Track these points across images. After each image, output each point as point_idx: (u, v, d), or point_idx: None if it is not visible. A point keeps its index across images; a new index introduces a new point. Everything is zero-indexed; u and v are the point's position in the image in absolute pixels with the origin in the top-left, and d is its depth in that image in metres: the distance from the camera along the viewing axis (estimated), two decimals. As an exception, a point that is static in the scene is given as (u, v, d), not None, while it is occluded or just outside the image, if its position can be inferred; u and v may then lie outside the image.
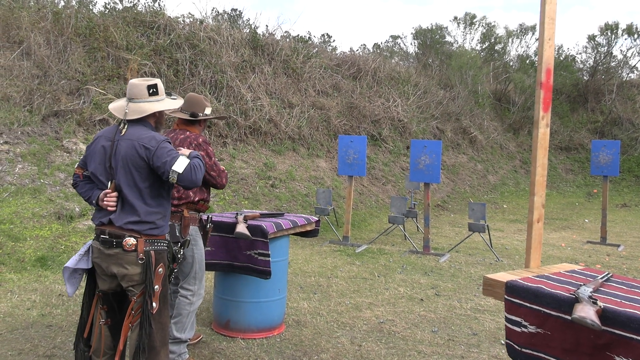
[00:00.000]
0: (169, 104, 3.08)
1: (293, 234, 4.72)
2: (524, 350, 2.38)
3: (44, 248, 6.46)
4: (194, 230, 3.83)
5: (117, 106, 3.03)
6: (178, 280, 4.02)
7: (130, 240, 2.84)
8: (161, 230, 2.97)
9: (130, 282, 2.87)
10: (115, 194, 2.89)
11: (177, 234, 3.72)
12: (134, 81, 3.02)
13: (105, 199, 2.89)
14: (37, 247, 6.43)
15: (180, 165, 2.82)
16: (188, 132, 3.84)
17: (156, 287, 2.88)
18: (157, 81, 3.06)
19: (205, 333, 4.47)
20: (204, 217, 4.03)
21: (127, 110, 2.94)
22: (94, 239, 2.99)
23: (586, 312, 2.07)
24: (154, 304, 2.86)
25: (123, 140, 2.90)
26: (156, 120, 3.10)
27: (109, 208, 2.89)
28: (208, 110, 3.97)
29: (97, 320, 3.00)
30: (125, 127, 2.95)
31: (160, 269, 2.92)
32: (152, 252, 2.89)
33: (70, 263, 2.96)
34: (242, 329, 4.40)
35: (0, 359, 3.85)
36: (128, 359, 2.95)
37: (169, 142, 2.93)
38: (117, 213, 2.88)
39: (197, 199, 3.81)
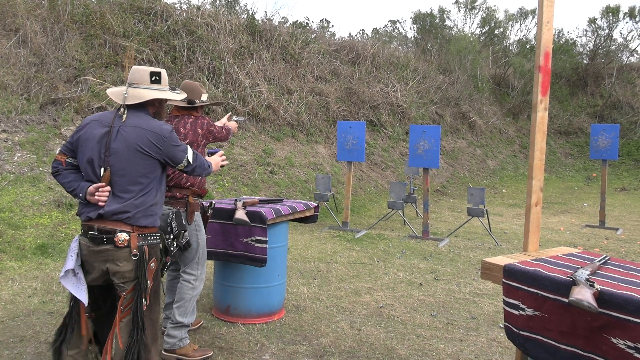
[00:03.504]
0: (170, 95, 2.96)
1: (292, 220, 4.73)
2: (521, 332, 2.40)
3: (44, 236, 6.48)
4: (197, 216, 3.85)
5: (116, 90, 2.90)
6: (178, 266, 4.04)
7: (123, 236, 2.69)
8: (154, 219, 2.83)
9: (122, 278, 2.73)
10: (108, 187, 2.73)
11: (184, 222, 3.71)
12: (137, 67, 2.90)
13: (97, 193, 2.72)
14: (37, 235, 6.45)
15: (190, 155, 2.97)
16: (193, 117, 3.91)
17: (147, 282, 2.76)
18: (162, 71, 2.94)
19: (205, 319, 4.50)
20: (205, 203, 4.05)
21: (126, 95, 2.81)
22: (81, 235, 2.82)
23: (583, 295, 2.08)
24: (143, 300, 2.74)
25: (128, 127, 2.76)
26: (155, 110, 2.97)
27: (99, 203, 2.72)
28: (204, 97, 3.98)
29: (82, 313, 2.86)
30: (125, 112, 2.80)
31: (152, 264, 2.80)
32: (146, 247, 2.77)
33: (62, 272, 2.78)
34: (243, 314, 4.43)
35: (2, 345, 3.88)
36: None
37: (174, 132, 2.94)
38: (108, 204, 2.72)
39: (199, 181, 3.86)
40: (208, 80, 10.87)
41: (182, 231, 3.63)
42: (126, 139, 2.74)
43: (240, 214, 4.15)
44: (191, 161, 2.96)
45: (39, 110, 8.37)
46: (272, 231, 4.35)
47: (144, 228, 2.77)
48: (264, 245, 4.19)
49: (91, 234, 2.73)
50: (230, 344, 4.00)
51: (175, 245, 3.15)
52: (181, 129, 3.84)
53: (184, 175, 3.73)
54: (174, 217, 3.62)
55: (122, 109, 2.83)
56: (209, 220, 4.25)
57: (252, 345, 3.99)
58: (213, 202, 4.15)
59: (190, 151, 2.97)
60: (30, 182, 7.22)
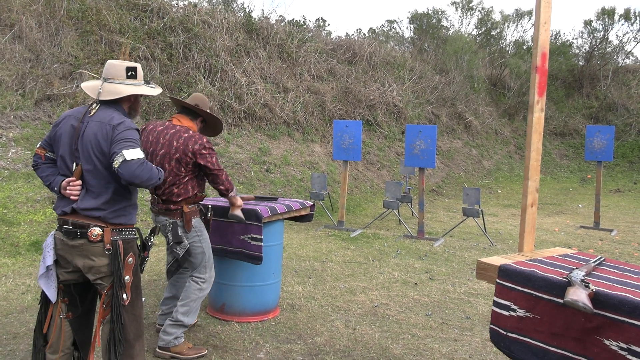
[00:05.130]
0: (146, 90, 2.86)
1: (288, 219, 4.73)
2: (509, 334, 2.39)
3: (38, 232, 6.45)
4: (197, 222, 3.80)
5: (90, 85, 2.81)
6: (187, 270, 4.01)
7: (96, 230, 2.65)
8: (128, 218, 2.78)
9: (97, 274, 2.69)
10: (79, 182, 2.69)
11: (180, 234, 3.66)
12: (112, 61, 2.83)
13: (68, 187, 2.69)
14: (32, 232, 6.42)
15: (132, 154, 2.59)
16: (192, 132, 3.71)
17: (127, 277, 2.71)
18: (137, 65, 2.87)
19: (200, 317, 4.49)
20: (203, 206, 4.00)
21: (100, 90, 2.73)
22: (56, 230, 2.78)
23: (578, 296, 2.08)
24: (124, 296, 2.70)
25: (93, 122, 2.69)
26: (130, 105, 2.89)
27: (71, 197, 2.68)
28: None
29: (57, 314, 2.78)
30: (97, 108, 2.74)
31: (130, 259, 2.74)
32: (120, 242, 2.71)
33: (42, 269, 2.74)
34: (237, 312, 4.42)
35: (-5, 342, 3.86)
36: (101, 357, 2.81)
37: (138, 132, 2.74)
38: (80, 200, 2.68)
39: (195, 192, 3.77)
40: (204, 77, 10.85)
41: (176, 242, 3.59)
42: (90, 134, 2.67)
43: (235, 210, 4.14)
44: (127, 158, 2.57)
45: (33, 106, 8.33)
46: (268, 229, 4.35)
47: (118, 225, 2.73)
48: (260, 243, 4.18)
49: (66, 228, 2.69)
50: (224, 343, 4.00)
51: (152, 241, 2.98)
52: (174, 142, 3.65)
53: (175, 191, 3.64)
54: (170, 228, 3.58)
55: (94, 104, 2.77)
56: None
57: (246, 344, 3.98)
58: (210, 206, 4.10)
59: (134, 150, 2.62)
60: (25, 179, 7.19)
